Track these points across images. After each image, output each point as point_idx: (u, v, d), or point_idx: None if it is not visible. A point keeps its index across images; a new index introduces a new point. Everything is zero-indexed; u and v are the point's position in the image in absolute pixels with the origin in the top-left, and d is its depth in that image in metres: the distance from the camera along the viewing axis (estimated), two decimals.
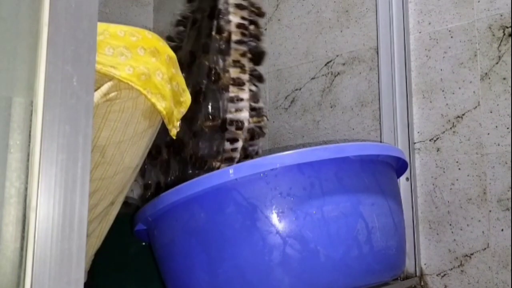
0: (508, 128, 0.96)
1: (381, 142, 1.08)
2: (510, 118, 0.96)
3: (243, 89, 0.97)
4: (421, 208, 1.05)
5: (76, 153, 0.36)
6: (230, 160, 0.96)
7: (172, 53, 0.67)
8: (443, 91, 1.05)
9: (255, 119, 0.98)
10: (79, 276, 0.35)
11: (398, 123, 1.06)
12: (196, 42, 1.03)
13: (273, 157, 0.71)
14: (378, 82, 1.11)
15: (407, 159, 0.93)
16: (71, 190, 0.35)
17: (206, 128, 0.97)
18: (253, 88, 0.99)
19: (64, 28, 0.36)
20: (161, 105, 0.63)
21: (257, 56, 1.02)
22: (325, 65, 1.24)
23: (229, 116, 0.96)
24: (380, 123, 1.09)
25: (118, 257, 0.92)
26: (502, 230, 0.95)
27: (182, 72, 0.78)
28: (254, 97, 0.99)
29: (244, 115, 0.96)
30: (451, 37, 1.05)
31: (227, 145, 0.95)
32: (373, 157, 0.77)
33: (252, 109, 0.98)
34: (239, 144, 0.96)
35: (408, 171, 1.02)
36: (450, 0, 1.06)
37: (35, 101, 0.35)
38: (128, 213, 0.90)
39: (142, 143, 0.66)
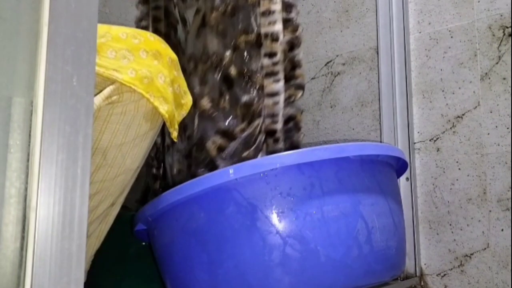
0: (508, 128, 0.96)
1: (381, 142, 1.08)
2: (510, 118, 0.96)
3: (274, 1, 0.95)
4: (421, 208, 1.05)
5: (76, 153, 0.36)
6: (273, 75, 0.94)
7: (173, 55, 0.67)
8: (443, 91, 1.05)
9: (290, 29, 0.96)
10: (79, 276, 0.35)
11: (398, 123, 1.06)
12: None
13: (273, 157, 0.71)
14: (378, 82, 1.11)
15: (407, 159, 0.93)
16: (71, 190, 0.35)
17: (242, 43, 0.96)
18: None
19: (64, 28, 0.36)
20: (163, 108, 0.63)
21: None
22: (325, 65, 1.24)
23: (263, 30, 0.94)
24: (380, 123, 1.09)
25: (118, 257, 0.92)
26: (502, 230, 0.95)
27: None
28: (287, 7, 0.97)
29: (278, 27, 0.94)
30: (451, 37, 1.05)
31: (266, 61, 0.94)
32: (373, 157, 0.77)
33: (285, 20, 0.96)
34: (279, 57, 0.94)
35: (408, 171, 1.02)
36: (450, 0, 1.06)
37: (35, 101, 0.35)
38: (128, 213, 0.90)
39: (144, 145, 0.67)
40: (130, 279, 0.92)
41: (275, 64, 0.94)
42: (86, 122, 0.36)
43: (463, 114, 1.02)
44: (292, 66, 0.96)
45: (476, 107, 1.00)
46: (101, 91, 0.59)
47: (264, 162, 0.70)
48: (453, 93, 1.03)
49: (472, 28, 1.02)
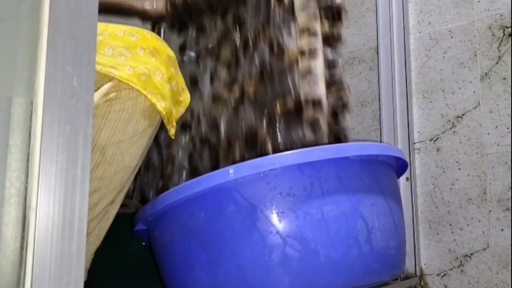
0: (508, 128, 0.96)
1: (381, 142, 1.08)
2: (510, 118, 0.96)
3: (315, 59, 0.80)
4: (421, 208, 1.05)
5: (76, 153, 0.36)
6: None
7: (171, 53, 0.67)
8: (443, 91, 1.05)
9: (333, 90, 0.82)
10: (79, 276, 0.35)
11: (398, 123, 1.06)
12: (255, 18, 0.87)
13: (273, 157, 0.71)
14: (378, 82, 1.11)
15: (407, 159, 0.93)
16: (71, 190, 0.35)
17: (279, 113, 0.81)
18: (329, 53, 0.84)
19: (64, 28, 0.36)
20: (160, 105, 0.63)
21: (333, 14, 0.85)
22: None
23: (302, 94, 0.79)
24: (380, 123, 1.09)
25: (118, 257, 0.92)
26: (502, 230, 0.95)
27: (246, 55, 0.71)
28: (331, 65, 0.83)
29: (320, 90, 0.79)
30: (451, 37, 1.05)
31: (308, 132, 0.80)
32: (373, 157, 0.77)
33: (328, 80, 0.82)
34: (323, 127, 0.80)
35: (408, 171, 1.02)
36: (450, 0, 1.06)
37: (35, 101, 0.35)
38: (128, 213, 0.90)
39: (142, 143, 0.67)
40: (130, 279, 0.92)
41: (318, 136, 0.79)
42: (86, 122, 0.36)
43: (463, 114, 1.02)
44: (335, 138, 0.83)
45: (476, 107, 1.00)
46: (99, 88, 0.59)
47: (264, 162, 0.70)
48: (453, 93, 1.03)
49: (472, 28, 1.02)
